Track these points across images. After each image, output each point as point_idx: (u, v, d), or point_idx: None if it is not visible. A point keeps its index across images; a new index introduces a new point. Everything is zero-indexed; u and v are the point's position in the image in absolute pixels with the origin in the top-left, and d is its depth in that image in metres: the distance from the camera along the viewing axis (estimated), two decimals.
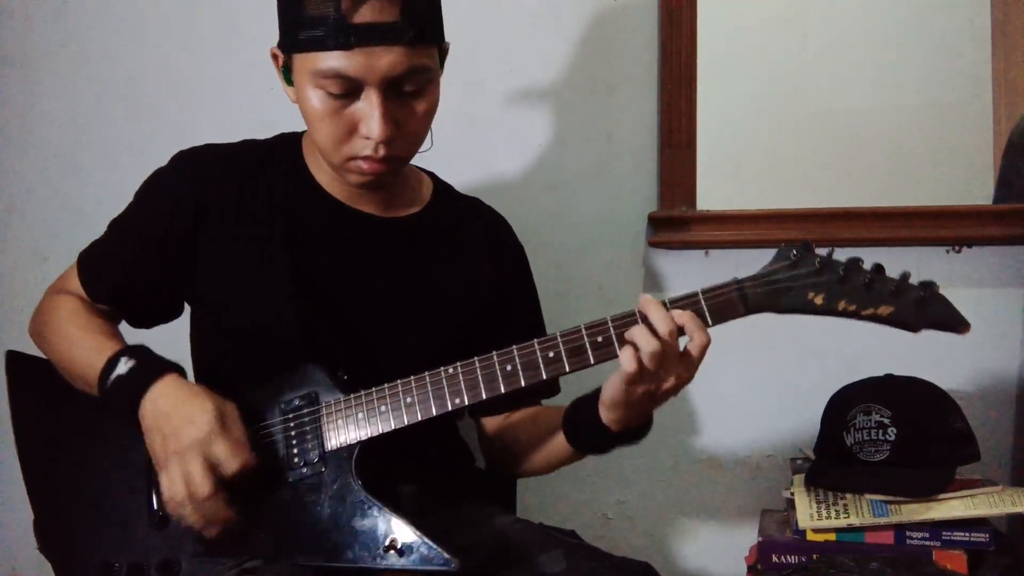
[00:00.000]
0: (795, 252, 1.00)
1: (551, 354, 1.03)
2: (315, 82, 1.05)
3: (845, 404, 1.39)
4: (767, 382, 1.64)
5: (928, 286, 0.98)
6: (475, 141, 1.64)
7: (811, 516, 1.33)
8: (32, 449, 1.22)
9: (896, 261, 1.60)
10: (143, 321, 1.25)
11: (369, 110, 1.05)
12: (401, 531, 1.01)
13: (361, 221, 1.19)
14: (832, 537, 1.33)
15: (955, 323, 0.98)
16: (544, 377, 1.03)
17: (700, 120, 1.62)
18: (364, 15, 1.01)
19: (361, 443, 1.06)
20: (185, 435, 1.02)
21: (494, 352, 1.04)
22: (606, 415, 1.07)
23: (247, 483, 1.04)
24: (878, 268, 0.98)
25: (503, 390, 1.04)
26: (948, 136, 1.61)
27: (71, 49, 1.80)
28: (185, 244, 1.16)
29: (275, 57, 1.13)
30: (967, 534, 1.28)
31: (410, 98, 1.08)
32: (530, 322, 1.31)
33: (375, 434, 1.06)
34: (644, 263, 1.67)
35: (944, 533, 1.29)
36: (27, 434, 1.22)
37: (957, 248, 1.58)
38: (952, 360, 1.54)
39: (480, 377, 1.05)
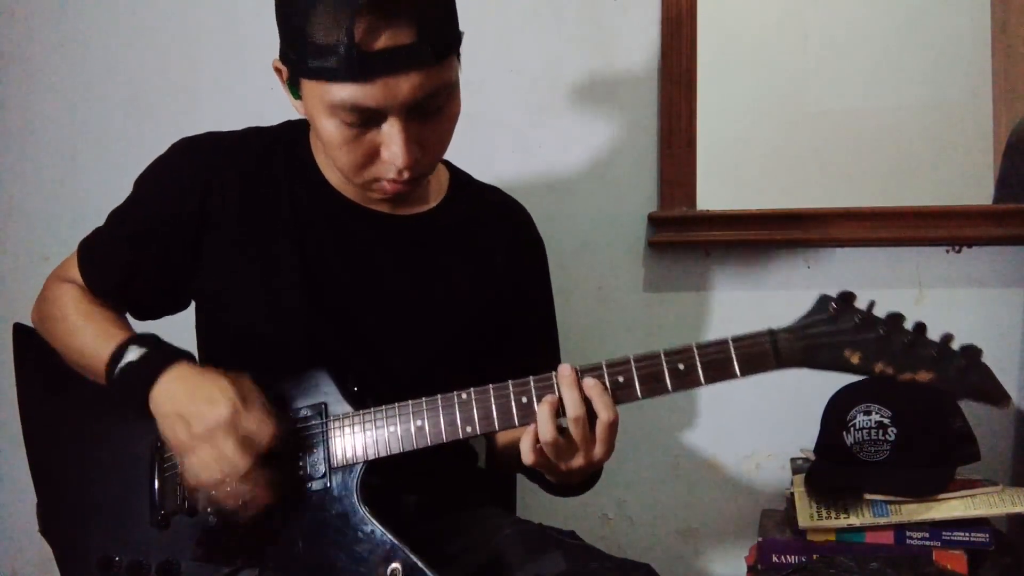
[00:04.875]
0: (834, 305, 0.96)
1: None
2: (330, 111, 0.99)
3: (845, 404, 1.39)
4: (767, 382, 1.62)
5: (970, 353, 0.93)
6: (475, 141, 1.64)
7: (811, 516, 1.33)
8: (37, 429, 1.19)
9: (896, 261, 1.63)
10: (147, 314, 1.21)
11: (392, 137, 0.99)
12: (403, 559, 0.99)
13: (372, 220, 1.15)
14: (832, 537, 1.33)
15: (996, 396, 0.93)
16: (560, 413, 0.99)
17: (700, 120, 1.62)
18: (379, 41, 0.93)
19: (367, 463, 1.03)
20: (210, 416, 0.98)
21: (509, 381, 1.00)
22: (546, 475, 1.06)
23: (277, 459, 1.01)
24: (920, 328, 0.93)
25: (517, 423, 1.00)
26: (948, 136, 1.61)
27: (71, 49, 1.80)
28: (187, 240, 1.12)
29: (278, 71, 1.06)
30: (967, 534, 1.28)
31: (433, 115, 1.02)
32: (543, 321, 1.28)
33: (382, 455, 1.03)
34: (644, 263, 1.67)
35: (944, 533, 1.29)
36: (32, 413, 1.19)
37: (957, 248, 1.59)
38: None
39: (494, 407, 1.00)
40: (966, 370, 0.92)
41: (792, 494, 1.40)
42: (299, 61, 0.98)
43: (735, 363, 0.96)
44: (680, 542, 1.69)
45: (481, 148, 1.66)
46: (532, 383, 1.00)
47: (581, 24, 1.68)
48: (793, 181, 1.64)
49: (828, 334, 0.95)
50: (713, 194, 1.62)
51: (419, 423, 1.02)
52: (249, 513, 1.00)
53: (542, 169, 1.68)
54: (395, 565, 0.99)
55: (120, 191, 1.22)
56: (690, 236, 1.63)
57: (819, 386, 1.46)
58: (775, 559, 1.35)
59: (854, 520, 1.31)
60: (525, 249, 1.26)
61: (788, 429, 1.60)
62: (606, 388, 0.97)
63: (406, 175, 1.02)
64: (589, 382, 0.97)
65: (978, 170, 1.59)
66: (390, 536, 1.00)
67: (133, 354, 1.05)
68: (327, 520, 1.02)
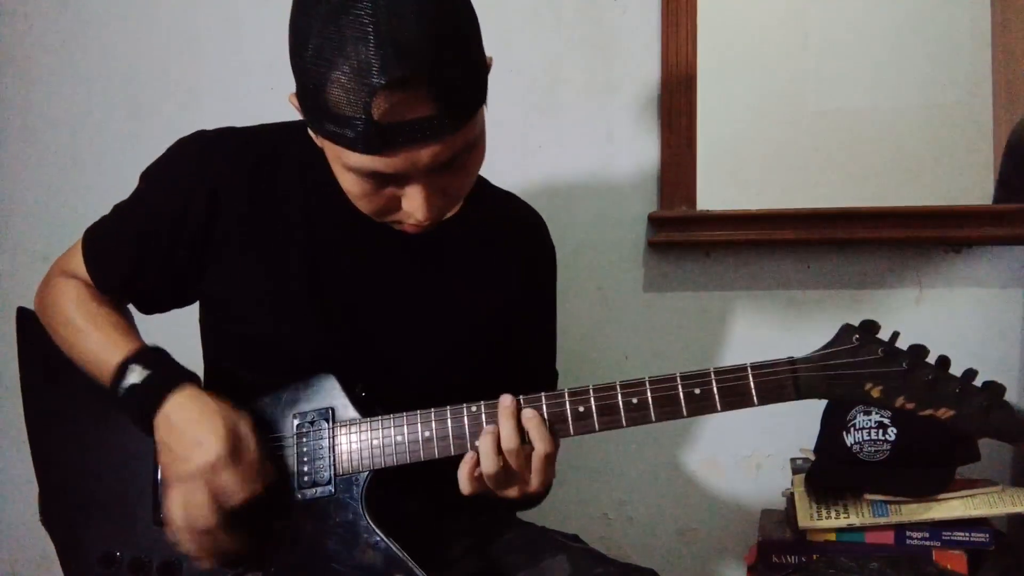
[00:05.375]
0: (857, 336, 0.94)
1: (581, 409, 0.98)
2: (347, 168, 0.95)
3: (845, 404, 1.39)
4: None
5: (992, 390, 0.91)
6: None
7: (811, 516, 1.33)
8: (40, 416, 1.18)
9: (896, 261, 1.63)
10: (151, 308, 1.19)
11: (413, 195, 0.96)
12: (405, 569, 0.98)
13: (384, 228, 1.08)
14: (832, 537, 1.33)
15: (1017, 435, 0.92)
16: (572, 434, 0.99)
17: (700, 120, 1.62)
18: (398, 116, 0.88)
19: (373, 471, 1.03)
20: (193, 460, 0.98)
21: (520, 396, 1.00)
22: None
23: (253, 508, 1.01)
24: (943, 362, 0.92)
25: (525, 440, 0.99)
26: (948, 136, 1.61)
27: (71, 49, 1.80)
28: (193, 240, 1.10)
29: (295, 107, 1.00)
30: (967, 534, 1.28)
31: (457, 169, 0.98)
32: (546, 329, 1.27)
33: (388, 465, 1.02)
34: (644, 263, 1.67)
35: (944, 533, 1.29)
36: (35, 399, 1.18)
37: (957, 248, 1.59)
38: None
39: None
40: (988, 409, 0.91)
41: (792, 494, 1.40)
42: (314, 119, 0.95)
43: (753, 392, 0.95)
44: (680, 542, 1.69)
45: None
46: (543, 399, 0.99)
47: (581, 24, 1.68)
48: (793, 181, 1.64)
49: (849, 366, 0.94)
50: (713, 194, 1.62)
51: (427, 434, 1.01)
52: (205, 567, 1.01)
53: (542, 169, 1.68)
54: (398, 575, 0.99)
55: (120, 190, 1.21)
56: (690, 236, 1.63)
57: None
58: (775, 559, 1.35)
59: (854, 520, 1.31)
60: (539, 260, 1.24)
61: (788, 429, 1.59)
62: (543, 420, 0.98)
63: (426, 223, 1.00)
64: (528, 414, 0.98)
65: (978, 170, 1.59)
66: (394, 547, 0.99)
67: (135, 375, 1.04)
68: (331, 527, 1.02)
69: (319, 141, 1.01)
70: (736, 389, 0.96)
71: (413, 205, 0.97)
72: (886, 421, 1.34)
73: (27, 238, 1.83)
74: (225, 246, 1.10)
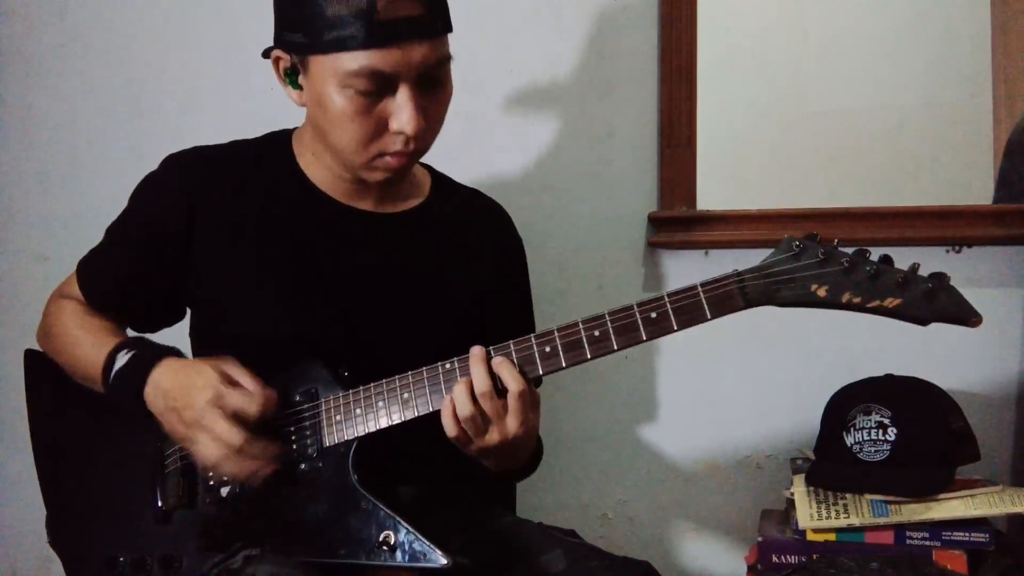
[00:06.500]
0: (798, 243, 0.98)
1: (547, 349, 1.02)
2: (343, 82, 1.03)
3: (845, 404, 1.40)
4: (767, 382, 1.64)
5: (938, 278, 0.93)
6: (475, 141, 1.64)
7: (811, 516, 1.33)
8: (46, 447, 1.23)
9: (896, 261, 1.62)
10: (145, 326, 1.24)
11: (403, 104, 1.04)
12: (395, 529, 1.01)
13: (360, 218, 1.18)
14: (832, 537, 1.33)
15: (965, 315, 0.93)
16: (540, 372, 1.03)
17: (700, 120, 1.62)
18: (395, 12, 1.00)
19: (358, 439, 1.06)
20: (196, 401, 1.02)
21: (491, 347, 1.04)
22: (465, 450, 1.07)
23: (274, 424, 1.06)
24: (886, 259, 0.95)
25: (499, 387, 1.03)
26: (948, 136, 1.61)
27: (71, 49, 1.80)
28: (179, 252, 1.15)
29: (276, 61, 1.10)
30: (967, 534, 1.28)
31: (435, 88, 1.08)
32: (524, 315, 1.32)
33: (372, 430, 1.06)
34: (644, 263, 1.67)
35: (944, 533, 1.29)
36: (42, 432, 1.24)
37: (957, 248, 1.58)
38: (952, 360, 1.54)
39: None
40: (933, 293, 0.93)
41: (792, 494, 1.40)
42: (311, 39, 1.03)
43: (705, 306, 0.99)
44: (680, 542, 1.69)
45: (481, 148, 1.66)
46: (512, 346, 1.04)
47: (581, 24, 1.68)
48: (793, 181, 1.64)
49: (793, 270, 0.97)
50: (713, 194, 1.62)
51: (406, 396, 1.05)
52: (267, 473, 1.04)
53: (542, 169, 1.68)
54: (387, 533, 1.01)
55: (120, 191, 1.22)
56: (690, 236, 1.63)
57: (819, 386, 1.46)
58: (775, 559, 1.35)
59: (854, 520, 1.31)
60: (508, 250, 1.30)
61: (788, 429, 1.60)
62: (513, 362, 1.02)
63: (411, 145, 1.07)
64: (497, 360, 1.02)
65: (978, 170, 1.60)
66: (383, 507, 1.02)
67: (122, 360, 1.09)
68: (322, 498, 1.05)
69: (299, 97, 1.09)
70: (689, 307, 0.99)
71: (403, 118, 1.04)
72: (886, 421, 1.34)
73: (27, 238, 1.82)
74: (210, 250, 1.15)
